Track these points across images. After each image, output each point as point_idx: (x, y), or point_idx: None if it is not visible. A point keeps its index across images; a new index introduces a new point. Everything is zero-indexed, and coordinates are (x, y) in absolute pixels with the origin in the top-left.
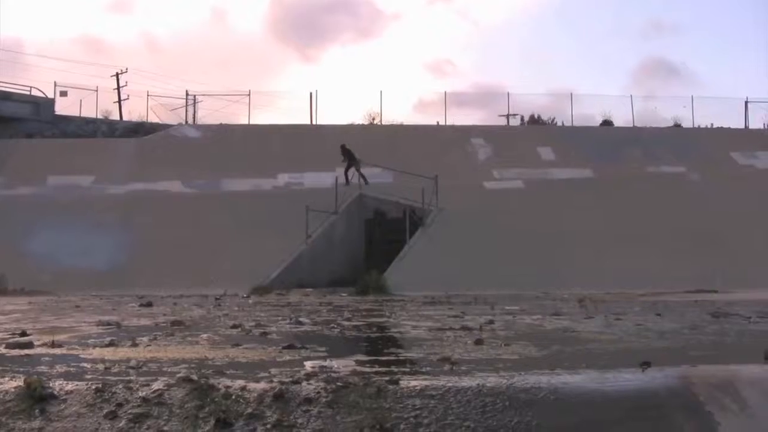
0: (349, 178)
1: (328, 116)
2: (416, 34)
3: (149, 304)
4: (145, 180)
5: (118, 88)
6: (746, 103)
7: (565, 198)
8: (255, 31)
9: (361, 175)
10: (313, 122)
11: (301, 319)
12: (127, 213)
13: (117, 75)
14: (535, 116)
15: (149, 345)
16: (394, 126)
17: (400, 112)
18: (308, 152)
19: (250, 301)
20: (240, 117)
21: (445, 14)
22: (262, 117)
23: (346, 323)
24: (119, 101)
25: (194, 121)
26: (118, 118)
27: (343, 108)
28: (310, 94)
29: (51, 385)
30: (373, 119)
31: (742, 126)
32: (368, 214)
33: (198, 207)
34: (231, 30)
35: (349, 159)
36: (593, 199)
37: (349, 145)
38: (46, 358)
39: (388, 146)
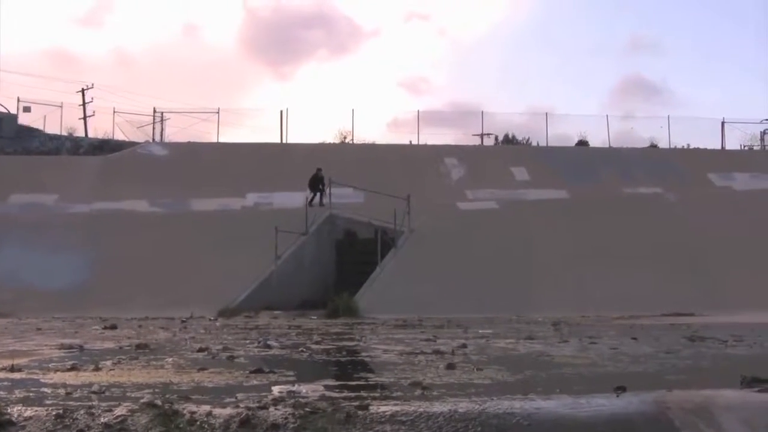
0: (315, 202)
1: (299, 135)
2: (393, 51)
3: (113, 327)
4: (111, 199)
5: (84, 103)
6: (722, 123)
7: (539, 219)
8: (228, 47)
9: (321, 198)
10: (284, 141)
11: (269, 343)
12: (92, 233)
13: (83, 90)
14: (510, 136)
15: (113, 369)
16: (367, 145)
17: (373, 131)
18: (278, 171)
19: (218, 324)
20: (209, 135)
21: (422, 31)
22: (232, 135)
23: (315, 347)
24: (85, 117)
25: (162, 138)
26: (83, 134)
27: (314, 126)
28: (281, 112)
29: (9, 411)
30: (345, 138)
31: (719, 146)
32: (339, 235)
33: (165, 227)
34: (203, 46)
35: (321, 185)
36: (568, 221)
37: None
38: (5, 383)
39: (360, 166)
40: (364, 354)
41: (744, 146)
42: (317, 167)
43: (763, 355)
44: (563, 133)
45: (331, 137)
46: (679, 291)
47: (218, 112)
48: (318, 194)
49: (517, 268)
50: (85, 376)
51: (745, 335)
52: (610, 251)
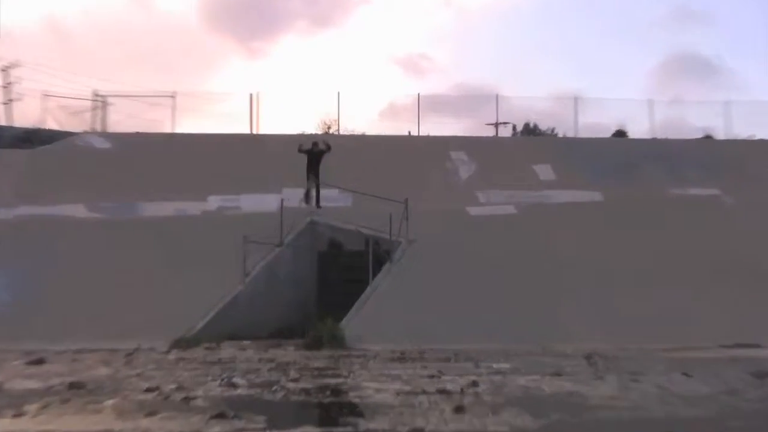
0: (311, 197)
1: (274, 124)
2: (387, 23)
3: (40, 361)
4: (40, 202)
5: (7, 85)
6: None
7: (568, 228)
8: (187, 18)
9: (317, 193)
10: (255, 131)
11: (235, 380)
12: (15, 245)
13: (6, 69)
14: (531, 125)
15: (38, 414)
16: (355, 136)
17: (363, 120)
18: (247, 168)
19: (171, 357)
20: (162, 124)
21: None
22: (191, 125)
23: (292, 385)
24: (8, 102)
25: (104, 128)
26: (5, 123)
27: (292, 114)
28: (251, 96)
29: None
30: (329, 128)
31: None
32: (322, 247)
33: (107, 237)
34: (156, 16)
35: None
36: (604, 230)
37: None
38: None
39: (348, 162)
40: (352, 394)
41: None
42: (312, 141)
43: None
44: (597, 122)
45: (312, 127)
46: (742, 317)
47: (174, 97)
48: (316, 186)
49: (540, 287)
50: (3, 425)
51: None
52: (655, 267)
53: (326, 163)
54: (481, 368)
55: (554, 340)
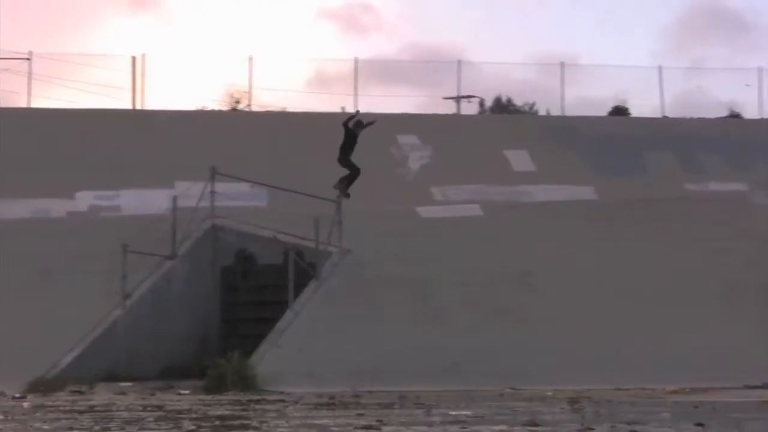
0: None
1: (164, 97)
2: None
3: None
4: None
5: None
6: None
7: (550, 234)
8: None
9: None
10: (138, 106)
11: None
12: None
13: None
14: (504, 100)
15: None
16: (274, 114)
17: (283, 92)
18: (129, 155)
19: (26, 405)
20: (15, 96)
21: None
22: (54, 96)
23: None
24: None
25: None
26: None
27: (188, 84)
28: (134, 60)
29: None
30: (238, 102)
31: None
32: (227, 260)
33: None
34: None
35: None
36: (596, 236)
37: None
38: None
39: (263, 147)
40: None
41: None
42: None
43: None
44: (589, 95)
45: (215, 101)
46: None
47: (29, 59)
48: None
49: (512, 313)
50: None
51: None
52: (661, 286)
53: (234, 149)
54: (434, 416)
55: (530, 380)
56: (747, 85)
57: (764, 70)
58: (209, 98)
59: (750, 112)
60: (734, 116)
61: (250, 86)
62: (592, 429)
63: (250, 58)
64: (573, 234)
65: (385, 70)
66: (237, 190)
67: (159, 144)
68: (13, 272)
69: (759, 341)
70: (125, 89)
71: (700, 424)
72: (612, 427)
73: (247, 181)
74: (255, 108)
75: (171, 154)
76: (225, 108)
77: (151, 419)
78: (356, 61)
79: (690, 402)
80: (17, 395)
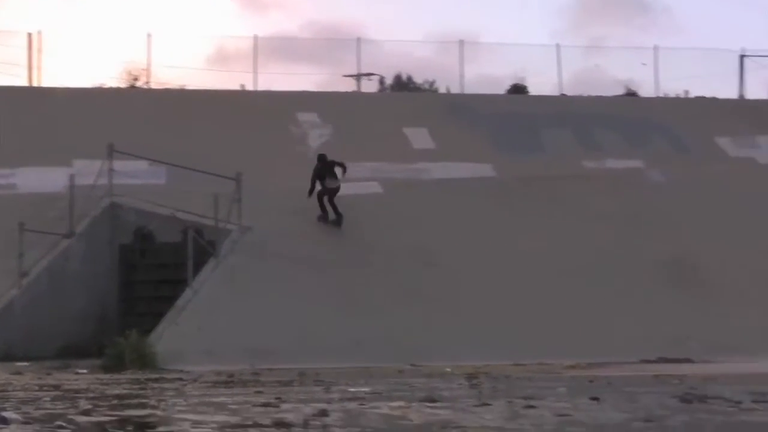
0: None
1: (61, 75)
2: None
3: None
4: None
5: None
6: (741, 58)
7: (449, 211)
8: None
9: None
10: (35, 84)
11: (5, 415)
12: None
13: None
14: (404, 78)
15: None
16: (173, 92)
17: (183, 69)
18: (25, 133)
19: None
20: None
21: None
22: None
23: (83, 419)
24: None
25: None
26: None
27: (85, 61)
28: (29, 36)
29: None
30: (137, 79)
31: (736, 95)
32: (126, 238)
33: None
34: None
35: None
36: (494, 213)
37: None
38: None
39: (162, 125)
40: (162, 429)
41: None
42: (320, 153)
43: None
44: (489, 73)
45: (113, 79)
46: (667, 323)
47: None
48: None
49: (412, 289)
50: None
51: None
52: (560, 263)
53: (132, 127)
54: (333, 393)
55: (429, 356)
56: (643, 64)
57: (660, 49)
58: (107, 75)
59: (646, 91)
60: (631, 94)
61: (149, 63)
62: (489, 404)
63: (149, 35)
64: (472, 211)
65: (285, 48)
66: (135, 168)
67: (56, 122)
68: None
69: (654, 316)
70: (22, 66)
71: (595, 398)
72: (509, 402)
73: (146, 159)
74: (154, 85)
75: (69, 132)
76: (123, 85)
77: (48, 399)
78: (256, 38)
79: (586, 377)
80: None
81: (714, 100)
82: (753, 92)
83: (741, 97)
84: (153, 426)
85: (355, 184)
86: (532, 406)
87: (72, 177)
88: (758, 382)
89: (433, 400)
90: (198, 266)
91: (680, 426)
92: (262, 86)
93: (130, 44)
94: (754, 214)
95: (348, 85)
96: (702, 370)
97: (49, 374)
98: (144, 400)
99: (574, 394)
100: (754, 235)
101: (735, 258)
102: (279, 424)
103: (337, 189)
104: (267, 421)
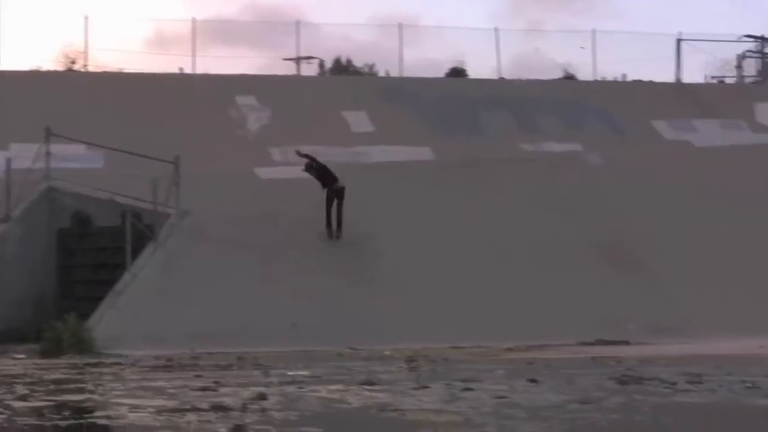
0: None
1: None
2: None
3: None
4: None
5: None
6: (678, 42)
7: (388, 194)
8: None
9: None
10: None
11: None
12: None
13: None
14: (344, 61)
15: None
16: (109, 74)
17: (120, 52)
18: None
19: None
20: None
21: None
22: None
23: (19, 404)
24: None
25: None
26: None
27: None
28: None
29: None
30: (74, 62)
31: (672, 78)
32: (63, 222)
33: None
34: None
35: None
36: (434, 197)
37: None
38: None
39: (99, 108)
40: (99, 414)
41: (711, 78)
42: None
43: (727, 404)
44: (428, 57)
45: (50, 61)
46: (605, 306)
47: None
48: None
49: (351, 272)
50: None
51: (706, 374)
52: (499, 246)
53: (70, 110)
54: (272, 377)
55: (368, 339)
56: (582, 48)
57: (598, 33)
58: (45, 58)
59: (584, 74)
60: (569, 78)
61: (86, 46)
62: (428, 387)
63: (86, 18)
64: (411, 194)
65: (224, 31)
66: (73, 151)
67: None
68: None
69: (592, 298)
70: None
71: (533, 381)
72: (447, 384)
73: (84, 142)
74: (91, 69)
75: (5, 116)
76: (61, 68)
77: None
78: (194, 21)
79: (525, 359)
80: None
81: (651, 83)
82: (689, 76)
83: (678, 80)
84: (90, 411)
85: (295, 168)
86: (470, 389)
87: (8, 161)
88: (693, 364)
89: (371, 384)
90: (136, 250)
91: (616, 407)
92: (200, 69)
93: (67, 27)
94: (690, 196)
95: (287, 69)
96: (639, 351)
97: None
98: (82, 385)
99: (512, 376)
100: (689, 217)
101: (671, 240)
102: (217, 407)
103: (343, 189)
104: (205, 405)
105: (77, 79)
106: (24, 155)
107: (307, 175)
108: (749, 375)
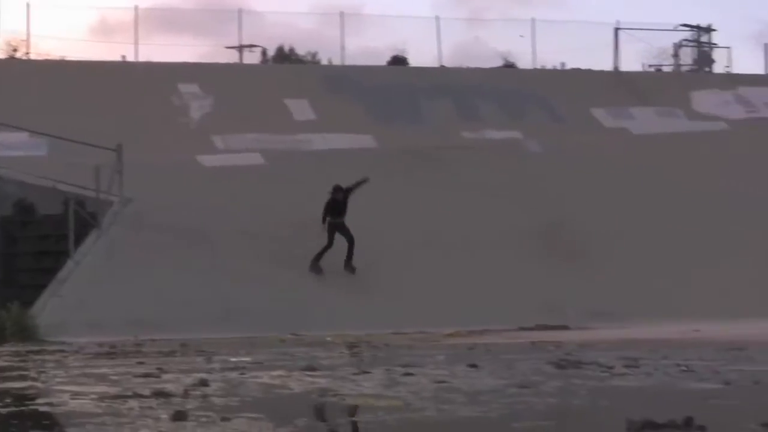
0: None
1: None
2: None
3: None
4: None
5: None
6: (616, 31)
7: (330, 181)
8: None
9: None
10: None
11: None
12: None
13: None
14: (287, 50)
15: None
16: (53, 62)
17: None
18: None
19: None
20: None
21: None
22: None
23: None
24: None
25: None
26: None
27: None
28: None
29: None
30: (16, 50)
31: (610, 67)
32: (5, 210)
33: None
34: None
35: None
36: (376, 184)
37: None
38: None
39: (43, 95)
40: (41, 401)
41: (648, 66)
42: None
43: (663, 388)
44: (370, 46)
45: None
46: (545, 291)
47: None
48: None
49: (294, 260)
50: None
51: (643, 357)
52: (439, 230)
53: (13, 98)
54: (214, 363)
55: (310, 325)
56: (521, 36)
57: (538, 22)
58: None
59: (524, 63)
60: (509, 66)
61: (28, 34)
62: (369, 372)
63: (28, 5)
64: (352, 178)
65: (167, 19)
66: (16, 139)
67: None
68: None
69: (532, 284)
70: None
71: (473, 365)
72: (387, 370)
73: (26, 130)
74: (34, 56)
75: None
76: (2, 56)
77: None
78: (137, 9)
79: (465, 344)
80: None
81: (589, 72)
82: (627, 64)
83: (615, 69)
84: (32, 398)
85: (237, 155)
86: (410, 374)
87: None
88: (630, 348)
89: (313, 369)
90: (80, 238)
91: (554, 391)
92: (143, 57)
93: (8, 15)
94: (628, 183)
95: (230, 57)
96: (578, 336)
97: None
98: (24, 372)
99: (452, 361)
100: (627, 203)
101: (609, 226)
102: (159, 394)
103: (342, 224)
104: (147, 392)
105: (20, 67)
106: None
107: (252, 163)
108: (684, 358)
